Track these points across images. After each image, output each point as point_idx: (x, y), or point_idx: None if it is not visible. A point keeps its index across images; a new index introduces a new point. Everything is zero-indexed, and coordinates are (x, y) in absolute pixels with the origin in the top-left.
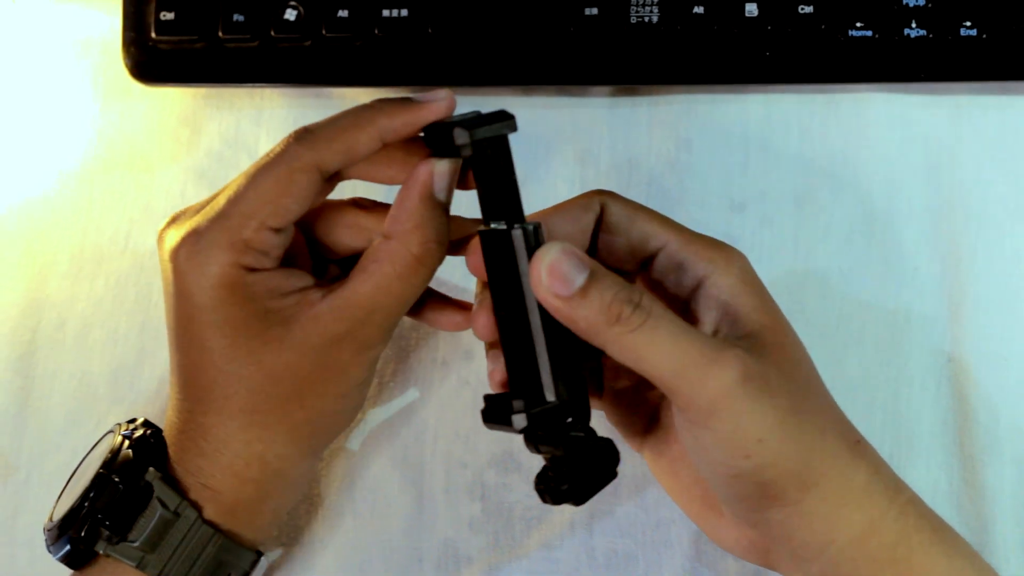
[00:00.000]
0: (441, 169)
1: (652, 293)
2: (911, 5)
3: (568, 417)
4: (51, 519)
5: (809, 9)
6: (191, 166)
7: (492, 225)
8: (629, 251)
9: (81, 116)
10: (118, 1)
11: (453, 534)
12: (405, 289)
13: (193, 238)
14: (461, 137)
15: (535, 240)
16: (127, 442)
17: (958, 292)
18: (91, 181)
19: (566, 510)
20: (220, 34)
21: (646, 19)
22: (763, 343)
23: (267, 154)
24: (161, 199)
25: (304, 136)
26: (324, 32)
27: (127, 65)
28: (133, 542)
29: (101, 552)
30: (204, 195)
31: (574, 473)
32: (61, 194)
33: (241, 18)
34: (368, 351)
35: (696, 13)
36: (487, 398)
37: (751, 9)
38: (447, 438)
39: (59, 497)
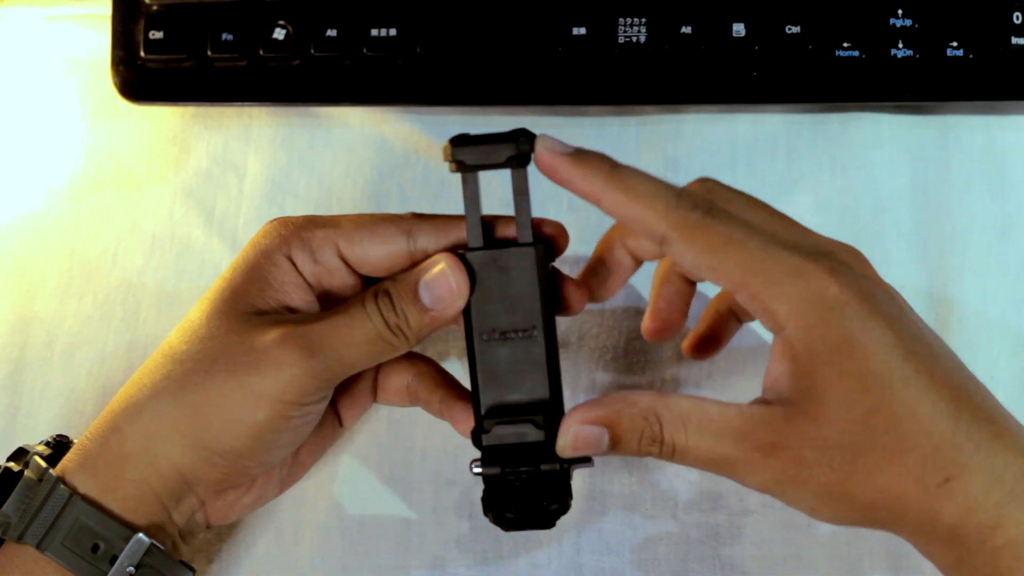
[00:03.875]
0: (443, 276)
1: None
2: (898, 26)
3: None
4: None
5: (796, 29)
6: (179, 185)
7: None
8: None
9: (69, 134)
10: (107, 19)
11: (441, 552)
12: (349, 351)
13: (283, 218)
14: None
15: (550, 257)
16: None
17: (945, 311)
18: (79, 199)
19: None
20: (209, 53)
21: (634, 39)
22: (798, 411)
23: None
24: (149, 218)
25: (417, 215)
26: (313, 51)
27: (116, 83)
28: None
29: None
30: (192, 214)
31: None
32: (49, 212)
33: (230, 37)
34: (282, 396)
35: (684, 33)
36: (483, 449)
37: (739, 29)
38: (435, 456)
39: None
